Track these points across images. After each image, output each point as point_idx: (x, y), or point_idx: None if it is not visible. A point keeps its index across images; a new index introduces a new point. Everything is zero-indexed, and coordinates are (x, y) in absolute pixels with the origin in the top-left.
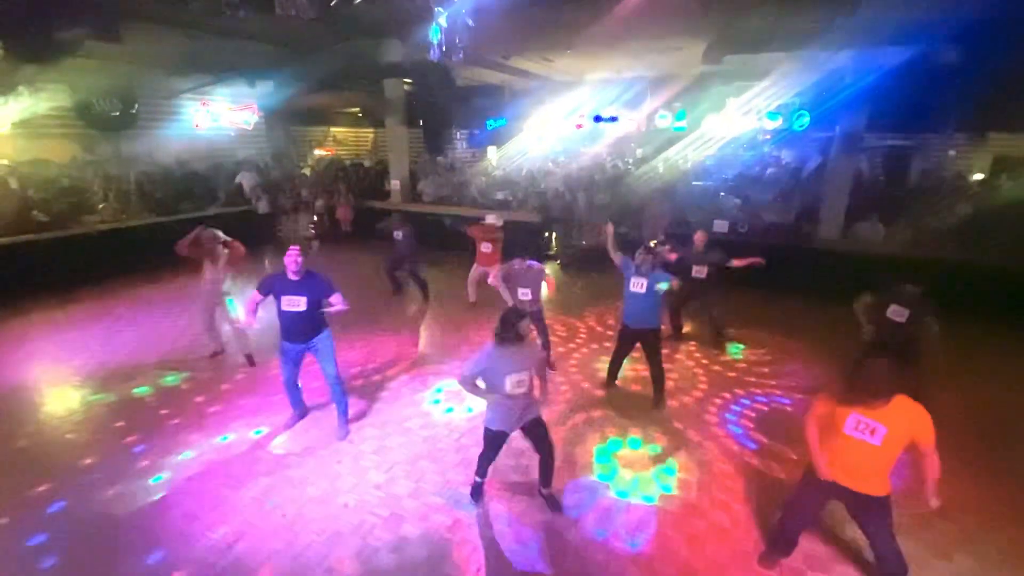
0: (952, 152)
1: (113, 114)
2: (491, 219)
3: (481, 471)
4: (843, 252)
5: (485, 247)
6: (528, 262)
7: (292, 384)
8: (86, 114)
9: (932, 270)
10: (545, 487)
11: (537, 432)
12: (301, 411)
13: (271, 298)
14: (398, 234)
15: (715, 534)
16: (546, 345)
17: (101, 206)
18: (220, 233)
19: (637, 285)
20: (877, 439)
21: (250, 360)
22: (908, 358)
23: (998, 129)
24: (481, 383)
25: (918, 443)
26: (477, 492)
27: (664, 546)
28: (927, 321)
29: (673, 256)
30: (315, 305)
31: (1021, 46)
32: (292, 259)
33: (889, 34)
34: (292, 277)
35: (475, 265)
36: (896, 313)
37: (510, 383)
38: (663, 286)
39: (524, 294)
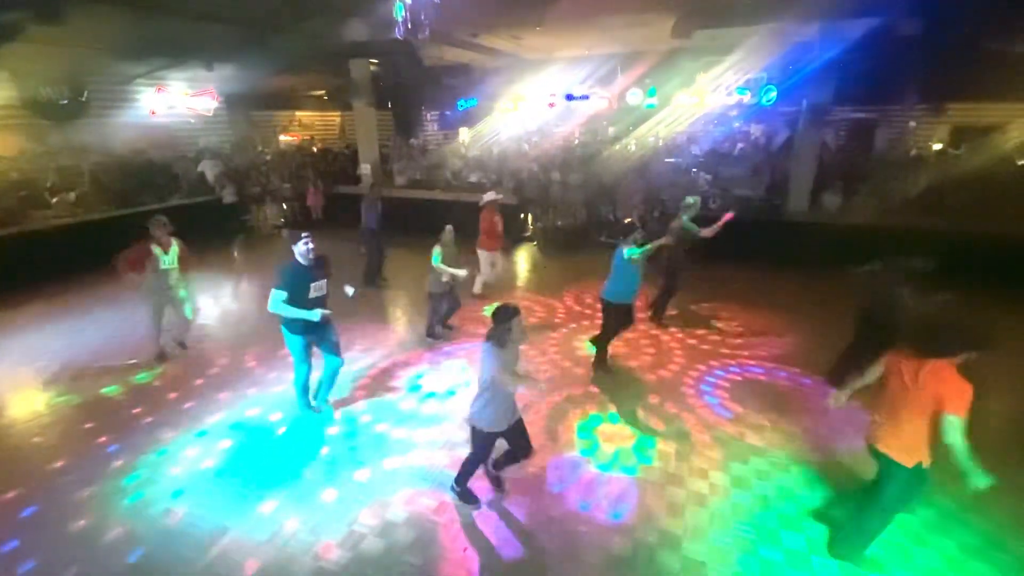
0: (912, 123)
1: (61, 102)
2: (489, 196)
3: (468, 475)
4: (810, 224)
5: (498, 224)
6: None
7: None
8: (32, 103)
9: (895, 238)
10: (496, 469)
11: (518, 430)
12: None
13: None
14: (364, 207)
15: (694, 501)
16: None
17: (55, 200)
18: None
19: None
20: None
21: (182, 346)
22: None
23: (956, 99)
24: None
25: (947, 412)
26: (470, 495)
27: (645, 514)
28: (899, 293)
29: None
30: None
31: (977, 18)
32: (309, 243)
33: (853, 6)
34: (308, 263)
35: (486, 251)
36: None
37: (513, 379)
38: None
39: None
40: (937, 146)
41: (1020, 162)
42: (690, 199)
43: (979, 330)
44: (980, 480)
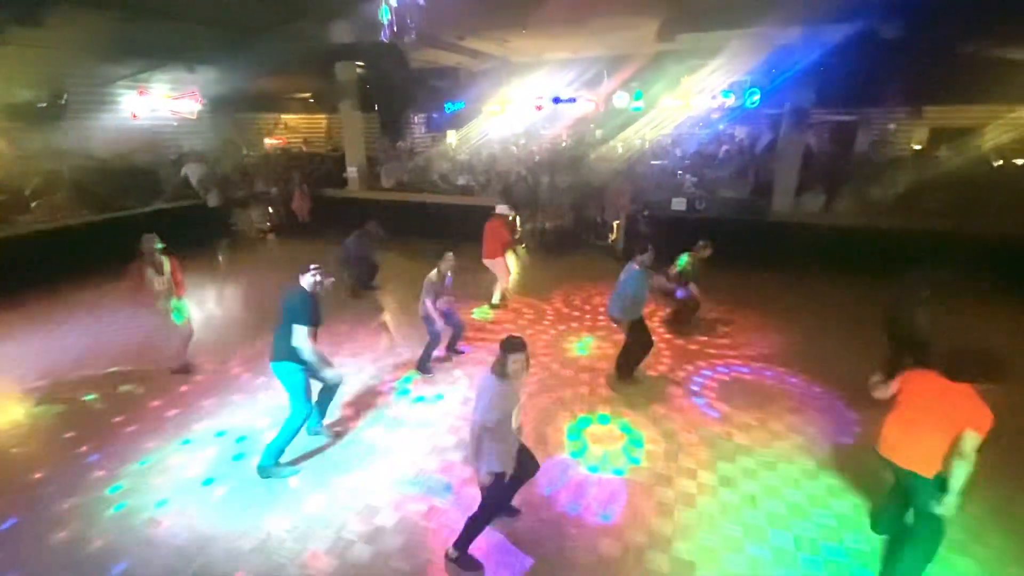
0: (892, 125)
1: (40, 105)
2: (501, 209)
3: (474, 537)
4: (794, 224)
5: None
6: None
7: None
8: (10, 106)
9: (877, 238)
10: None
11: (523, 451)
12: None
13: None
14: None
15: (683, 500)
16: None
17: (34, 204)
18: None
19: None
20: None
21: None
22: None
23: (934, 102)
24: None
25: (967, 430)
26: (472, 562)
27: (635, 515)
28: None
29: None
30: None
31: (953, 24)
32: (324, 279)
33: (833, 11)
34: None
35: (500, 260)
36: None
37: (516, 417)
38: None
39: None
40: (916, 147)
41: (995, 163)
42: (682, 258)
43: (997, 363)
44: (949, 505)
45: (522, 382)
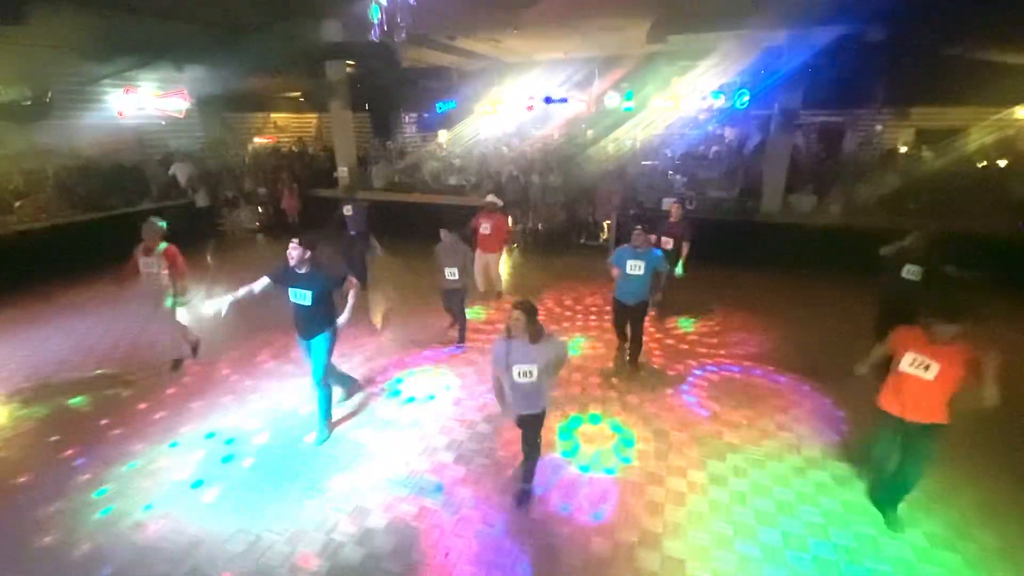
0: (879, 127)
1: (24, 103)
2: (491, 198)
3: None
4: (783, 224)
5: (484, 228)
6: (455, 238)
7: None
8: None
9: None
10: (525, 481)
11: (526, 423)
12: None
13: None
14: (347, 208)
15: (673, 499)
16: (462, 327)
17: (18, 204)
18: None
19: (635, 268)
20: (931, 375)
21: (195, 349)
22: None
23: (919, 103)
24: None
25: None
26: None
27: (626, 514)
28: (945, 269)
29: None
30: (320, 300)
31: (937, 26)
32: (291, 250)
33: (820, 14)
34: (298, 269)
35: (478, 251)
36: (910, 272)
37: (516, 372)
38: (661, 268)
39: (451, 274)
40: (903, 148)
41: (979, 164)
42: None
43: (968, 307)
44: (991, 397)
45: (523, 338)
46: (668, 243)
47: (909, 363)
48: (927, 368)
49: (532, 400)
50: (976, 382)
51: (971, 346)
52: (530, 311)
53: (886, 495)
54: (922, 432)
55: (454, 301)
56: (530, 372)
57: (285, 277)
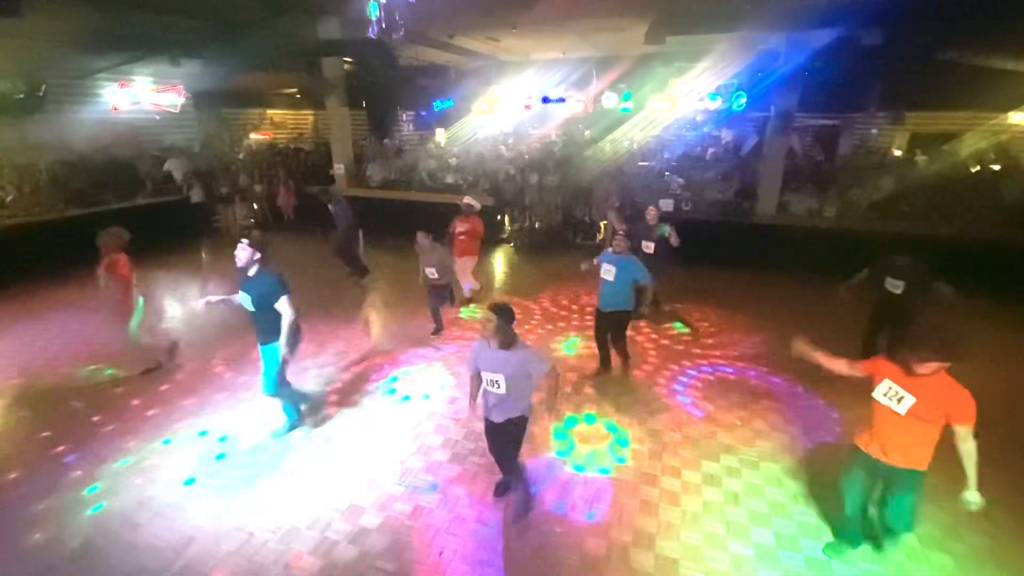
0: (874, 130)
1: (16, 96)
2: (468, 200)
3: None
4: (778, 226)
5: (461, 231)
6: (431, 239)
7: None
8: None
9: (858, 241)
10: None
11: (489, 432)
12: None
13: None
14: (332, 208)
15: (667, 499)
16: (439, 325)
17: (10, 198)
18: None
19: (608, 272)
20: (902, 408)
21: (173, 351)
22: (905, 327)
23: (914, 108)
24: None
25: (953, 424)
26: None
27: (620, 514)
28: (936, 287)
29: (623, 227)
30: (261, 305)
31: (935, 31)
32: (238, 249)
33: (817, 17)
34: (247, 271)
35: (455, 255)
36: (892, 285)
37: (485, 379)
38: (638, 278)
39: (431, 273)
40: (897, 152)
41: (973, 169)
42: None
43: (959, 341)
44: (973, 498)
45: (493, 342)
46: (649, 247)
47: (883, 392)
48: (900, 400)
49: (501, 410)
50: (958, 443)
51: (956, 385)
52: (504, 314)
53: (861, 533)
54: (896, 478)
55: (435, 298)
56: (497, 382)
57: (240, 280)
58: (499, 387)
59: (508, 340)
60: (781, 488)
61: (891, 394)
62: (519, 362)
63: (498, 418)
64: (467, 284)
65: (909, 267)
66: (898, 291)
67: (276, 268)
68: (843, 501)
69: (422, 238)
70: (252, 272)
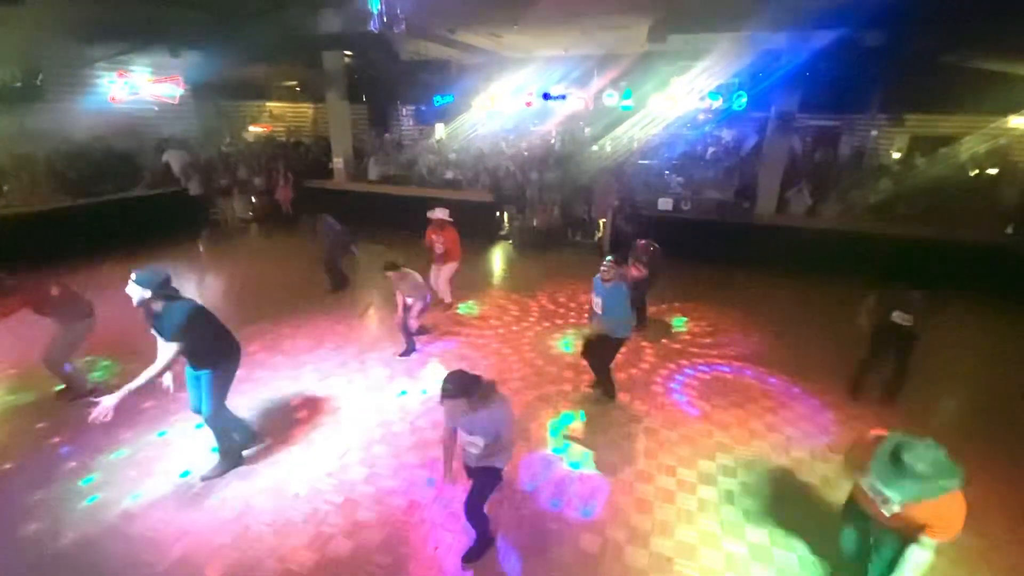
0: (874, 132)
1: (14, 85)
2: (439, 213)
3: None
4: (778, 226)
5: (438, 247)
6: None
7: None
8: None
9: (856, 242)
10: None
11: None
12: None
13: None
14: (320, 228)
15: (662, 496)
16: (408, 335)
17: (6, 188)
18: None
19: (596, 304)
20: (886, 511)
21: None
22: (904, 356)
23: (914, 110)
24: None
25: (924, 534)
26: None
27: (615, 511)
28: (909, 296)
29: (643, 271)
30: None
31: (937, 33)
32: (128, 287)
33: (819, 17)
34: (152, 307)
35: (433, 266)
36: (901, 318)
37: (461, 437)
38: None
39: (408, 299)
40: (896, 154)
41: (972, 173)
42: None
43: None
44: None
45: (452, 416)
46: (641, 271)
47: (868, 487)
48: (884, 503)
49: (478, 459)
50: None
51: (953, 502)
52: (462, 391)
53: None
54: (889, 536)
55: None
56: (476, 444)
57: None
58: (478, 448)
59: (480, 402)
60: (776, 487)
61: (875, 493)
62: (493, 424)
63: (473, 464)
64: (447, 294)
65: (919, 301)
66: (907, 324)
67: (186, 300)
68: (840, 551)
69: (394, 276)
70: (158, 308)
